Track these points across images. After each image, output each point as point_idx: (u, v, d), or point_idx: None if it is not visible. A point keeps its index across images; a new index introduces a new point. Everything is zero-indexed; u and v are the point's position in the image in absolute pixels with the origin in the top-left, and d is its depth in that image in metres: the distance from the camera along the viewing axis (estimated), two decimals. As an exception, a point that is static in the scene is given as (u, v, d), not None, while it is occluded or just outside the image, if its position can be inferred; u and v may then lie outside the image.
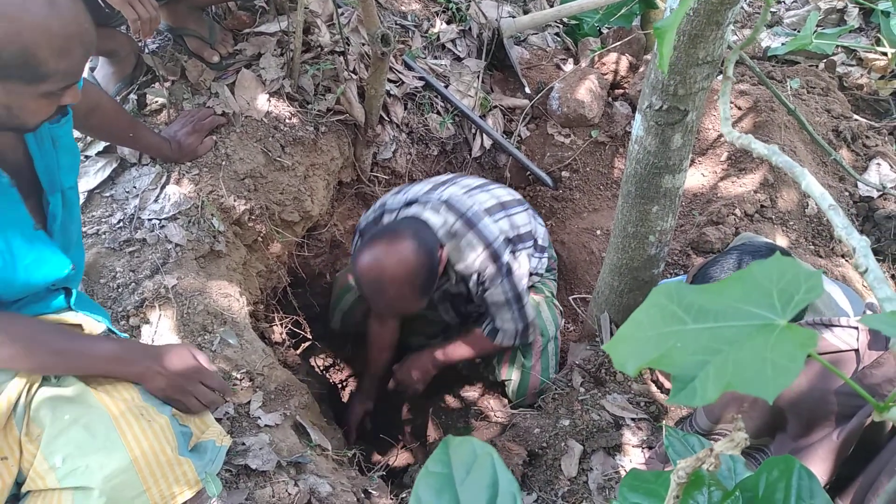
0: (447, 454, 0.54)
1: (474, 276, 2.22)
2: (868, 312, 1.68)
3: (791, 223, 2.76)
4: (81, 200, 2.12)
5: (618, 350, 0.48)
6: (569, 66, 3.39)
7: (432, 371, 2.54)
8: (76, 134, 2.18)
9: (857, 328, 1.59)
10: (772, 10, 4.18)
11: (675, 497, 0.53)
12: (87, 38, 1.30)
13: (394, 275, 1.98)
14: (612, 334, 2.41)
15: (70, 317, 1.59)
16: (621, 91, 3.36)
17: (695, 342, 0.45)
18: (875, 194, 2.95)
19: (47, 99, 1.31)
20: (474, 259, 2.19)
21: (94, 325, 1.61)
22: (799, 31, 3.67)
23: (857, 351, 1.57)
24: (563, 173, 3.22)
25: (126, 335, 1.86)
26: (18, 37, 1.17)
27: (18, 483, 1.47)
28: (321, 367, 2.90)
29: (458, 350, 2.49)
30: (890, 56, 3.53)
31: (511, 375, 2.48)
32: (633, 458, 2.10)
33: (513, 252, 2.28)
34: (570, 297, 2.89)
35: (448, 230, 2.17)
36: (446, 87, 2.94)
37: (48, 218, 1.52)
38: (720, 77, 3.30)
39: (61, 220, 1.54)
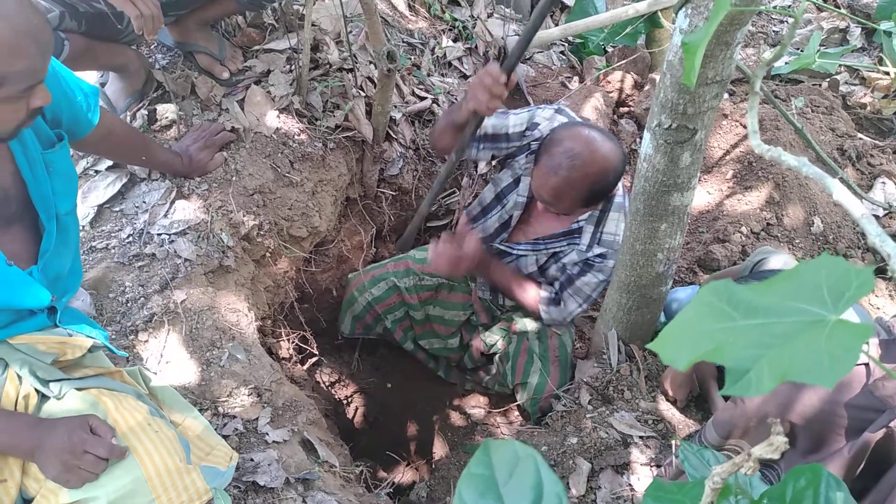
0: (488, 456, 0.54)
1: (598, 251, 2.26)
2: (877, 327, 1.68)
3: (797, 241, 2.77)
4: (91, 215, 2.12)
5: (666, 347, 0.48)
6: (574, 85, 3.41)
7: (480, 265, 2.36)
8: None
9: (867, 342, 1.58)
10: (774, 29, 4.22)
11: (710, 503, 0.52)
12: (41, 36, 1.28)
13: (594, 159, 2.04)
14: (619, 351, 2.40)
15: (57, 334, 1.58)
16: (626, 109, 3.38)
17: (746, 337, 0.45)
18: (881, 213, 2.96)
19: (13, 103, 1.29)
20: (614, 240, 2.25)
21: (82, 340, 1.60)
22: (802, 51, 3.70)
23: (867, 365, 1.57)
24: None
25: (126, 353, 1.85)
26: None
27: (25, 501, 1.47)
28: (327, 383, 2.89)
29: (511, 280, 2.41)
30: (893, 75, 3.56)
31: (528, 379, 2.47)
32: (641, 476, 2.08)
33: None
34: (577, 315, 2.89)
35: (620, 202, 2.24)
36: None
37: (42, 241, 1.51)
38: (726, 96, 3.33)
39: (56, 245, 1.53)
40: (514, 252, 2.40)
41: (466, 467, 0.55)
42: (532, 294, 2.40)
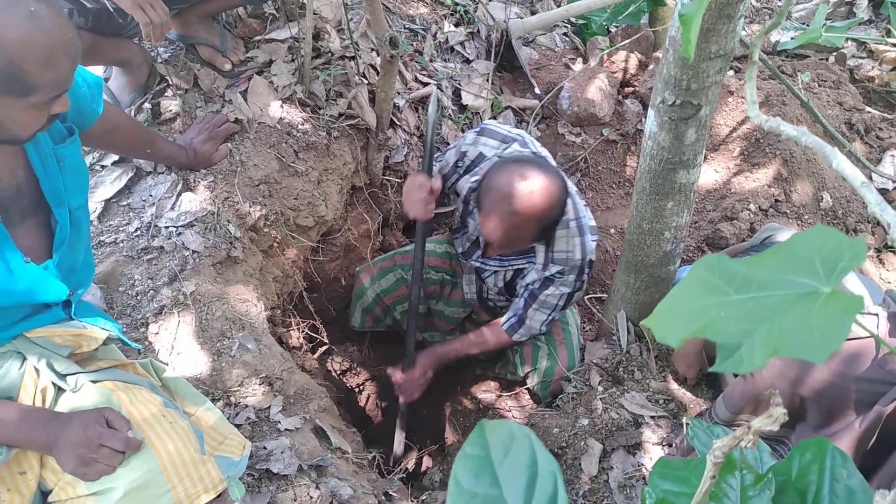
0: (483, 437, 0.54)
1: (555, 269, 2.23)
2: (888, 299, 1.67)
3: (806, 217, 2.75)
4: (99, 210, 2.14)
5: (659, 323, 0.48)
6: (578, 66, 3.39)
7: (436, 367, 2.52)
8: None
9: (876, 315, 1.58)
10: (779, 4, 4.17)
11: (712, 477, 0.52)
12: (73, 48, 1.31)
13: (534, 201, 1.97)
14: (629, 332, 2.40)
15: (73, 326, 1.60)
16: (631, 89, 3.36)
17: (738, 312, 0.45)
18: (890, 186, 2.93)
19: (38, 110, 1.32)
20: (567, 257, 2.21)
21: (97, 332, 1.61)
22: (808, 25, 3.66)
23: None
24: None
25: (139, 345, 1.87)
26: (3, 52, 1.18)
27: (44, 493, 1.49)
28: (338, 372, 2.90)
29: (467, 345, 2.50)
30: (901, 47, 3.52)
31: (538, 364, 2.48)
32: (653, 455, 2.09)
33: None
34: (586, 297, 2.89)
35: (566, 218, 2.18)
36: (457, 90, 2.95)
37: (55, 236, 1.53)
38: (731, 73, 3.30)
39: (69, 238, 1.55)
40: (489, 267, 2.42)
41: (462, 448, 0.55)
42: (497, 335, 2.45)
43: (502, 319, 2.43)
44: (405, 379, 2.46)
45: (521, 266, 2.35)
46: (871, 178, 2.97)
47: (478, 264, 2.44)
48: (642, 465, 2.07)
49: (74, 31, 1.32)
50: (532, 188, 1.97)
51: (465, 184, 2.28)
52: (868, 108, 3.24)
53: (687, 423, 2.07)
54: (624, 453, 2.12)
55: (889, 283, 2.76)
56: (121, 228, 2.12)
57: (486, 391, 2.98)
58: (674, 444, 2.07)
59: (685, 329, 0.46)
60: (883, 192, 2.96)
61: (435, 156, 2.38)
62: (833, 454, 0.71)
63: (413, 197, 2.18)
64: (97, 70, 2.38)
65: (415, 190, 2.18)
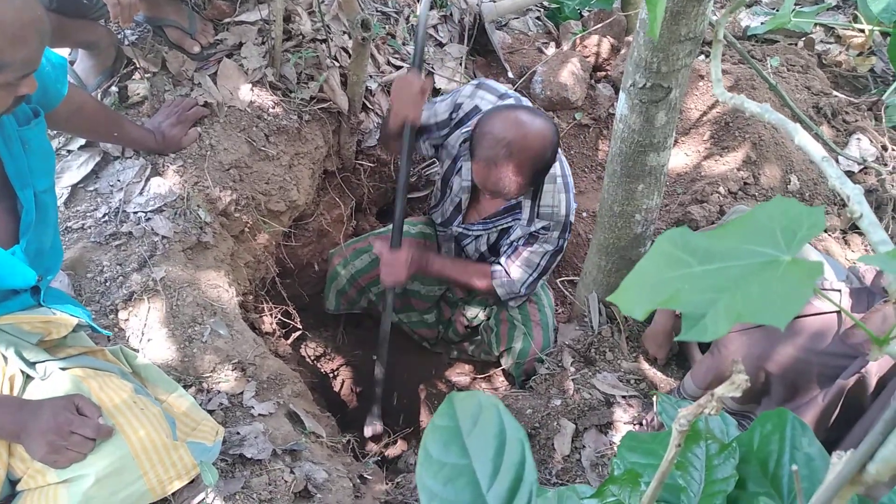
0: (453, 408, 0.55)
1: (539, 224, 2.24)
2: (851, 276, 1.70)
3: (774, 199, 2.79)
4: (65, 196, 2.10)
5: (624, 297, 0.49)
6: (551, 50, 3.40)
7: (420, 265, 2.39)
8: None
9: (839, 291, 1.61)
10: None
11: (677, 446, 0.53)
12: (42, 27, 1.30)
13: (530, 142, 1.98)
14: (600, 314, 2.43)
15: (42, 313, 1.58)
16: (604, 73, 3.37)
17: (702, 282, 0.46)
18: (856, 168, 2.99)
19: (4, 91, 1.30)
20: (552, 212, 2.22)
21: (67, 318, 1.60)
22: (777, 11, 3.69)
23: (839, 313, 1.59)
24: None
25: (109, 332, 1.85)
26: None
27: (12, 482, 1.47)
28: (312, 357, 2.89)
29: (451, 268, 2.46)
30: (867, 33, 3.57)
31: (513, 344, 2.50)
32: (624, 434, 2.12)
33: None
34: (558, 280, 2.91)
35: (553, 173, 2.19)
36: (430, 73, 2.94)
37: (22, 220, 1.50)
38: (701, 57, 3.32)
39: (36, 223, 1.52)
40: (471, 233, 2.42)
41: (431, 420, 0.55)
42: (481, 276, 2.42)
43: (493, 266, 2.42)
44: (391, 257, 2.32)
45: (506, 225, 2.35)
46: (837, 161, 3.02)
47: (460, 230, 2.44)
48: (614, 443, 2.10)
49: (44, 10, 1.31)
50: (527, 131, 1.98)
51: (457, 138, 2.26)
52: (835, 93, 3.30)
53: (656, 399, 2.11)
54: (596, 432, 2.15)
55: (854, 263, 2.81)
56: (88, 214, 2.09)
57: (460, 374, 3.00)
58: (644, 422, 2.10)
59: (650, 301, 0.46)
60: (849, 174, 3.01)
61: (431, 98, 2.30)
62: (793, 424, 0.73)
63: (404, 95, 2.11)
64: (62, 53, 2.33)
65: (406, 87, 2.10)
